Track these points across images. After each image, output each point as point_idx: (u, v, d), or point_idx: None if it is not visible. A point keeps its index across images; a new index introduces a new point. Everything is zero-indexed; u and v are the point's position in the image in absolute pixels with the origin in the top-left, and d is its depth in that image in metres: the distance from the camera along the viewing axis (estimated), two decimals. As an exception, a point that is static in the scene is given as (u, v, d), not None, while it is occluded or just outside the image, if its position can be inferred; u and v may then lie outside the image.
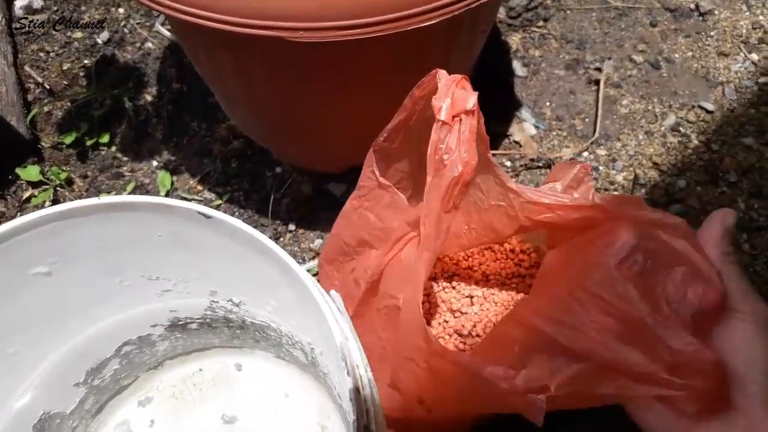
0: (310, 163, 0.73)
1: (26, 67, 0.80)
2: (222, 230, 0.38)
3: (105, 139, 0.75)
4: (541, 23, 0.89)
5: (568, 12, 0.91)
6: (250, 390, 0.58)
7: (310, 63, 0.50)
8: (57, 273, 0.42)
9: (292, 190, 0.75)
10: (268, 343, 0.56)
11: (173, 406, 0.57)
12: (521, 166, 0.77)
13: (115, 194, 0.73)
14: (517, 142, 0.78)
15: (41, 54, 0.81)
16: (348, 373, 0.31)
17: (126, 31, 0.83)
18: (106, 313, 0.48)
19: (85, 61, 0.81)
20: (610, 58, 0.86)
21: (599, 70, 0.85)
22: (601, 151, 0.78)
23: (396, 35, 0.45)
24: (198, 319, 0.53)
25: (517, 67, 0.85)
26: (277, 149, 0.72)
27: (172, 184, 0.74)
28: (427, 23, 0.45)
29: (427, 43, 0.53)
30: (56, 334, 0.47)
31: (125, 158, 0.76)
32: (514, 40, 0.87)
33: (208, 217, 0.38)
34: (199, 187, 0.74)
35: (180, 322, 0.53)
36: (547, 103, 0.82)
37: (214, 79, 0.61)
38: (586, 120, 0.81)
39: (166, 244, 0.42)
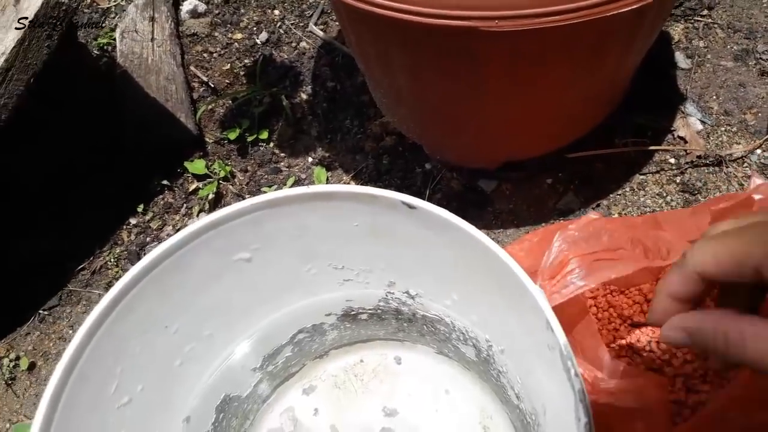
0: (463, 159, 0.72)
1: (192, 67, 0.85)
2: (423, 221, 0.38)
3: (264, 135, 0.78)
4: (705, 12, 0.83)
5: None
6: (411, 384, 0.58)
7: (490, 55, 0.49)
8: (256, 259, 0.43)
9: (442, 186, 0.74)
10: (433, 338, 0.55)
11: (336, 395, 0.58)
12: (687, 163, 0.72)
13: (276, 188, 0.75)
14: (682, 138, 0.73)
15: (205, 55, 0.86)
16: (575, 374, 0.30)
17: (282, 31, 0.86)
18: (291, 300, 0.49)
19: (245, 61, 0.84)
20: (787, 49, 0.79)
21: (773, 61, 0.78)
22: (777, 150, 0.72)
23: (586, 23, 0.44)
24: (370, 309, 0.53)
25: (680, 58, 0.80)
26: (432, 145, 0.72)
27: (327, 179, 0.75)
28: (626, 8, 0.43)
29: (613, 33, 0.50)
30: (246, 320, 0.49)
31: (282, 154, 0.79)
32: (677, 30, 0.82)
33: (412, 207, 0.37)
34: (353, 183, 0.75)
35: (352, 312, 0.53)
36: (714, 97, 0.76)
37: (380, 75, 0.61)
38: (759, 115, 0.75)
39: (359, 234, 0.42)
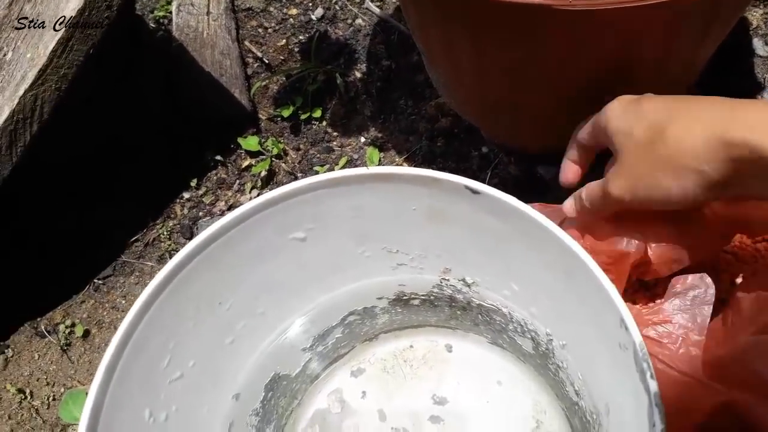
0: (522, 144, 0.70)
1: (246, 42, 0.84)
2: (487, 207, 0.36)
3: (317, 113, 0.77)
4: (788, -5, 0.78)
5: (822, -19, 0.78)
6: (462, 373, 0.57)
7: (561, 35, 0.46)
8: (311, 239, 0.43)
9: (499, 171, 0.72)
10: (488, 328, 0.54)
11: (384, 380, 0.57)
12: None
13: (328, 168, 0.74)
14: (757, 130, 0.69)
15: (260, 30, 0.85)
16: (651, 376, 0.28)
17: (338, 8, 0.85)
18: (343, 282, 0.49)
19: (300, 37, 0.83)
20: None
21: None
22: None
23: (663, 4, 0.41)
24: (423, 295, 0.52)
25: (758, 45, 0.75)
26: (490, 128, 0.70)
27: (380, 160, 0.74)
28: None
29: (690, 17, 0.47)
30: (298, 299, 0.48)
31: (335, 133, 0.77)
32: (755, 15, 0.77)
33: (475, 192, 0.36)
34: (405, 165, 0.74)
35: (404, 297, 0.52)
36: (794, 87, 0.71)
37: (439, 56, 0.59)
38: (844, 106, 0.69)
39: (417, 218, 0.41)
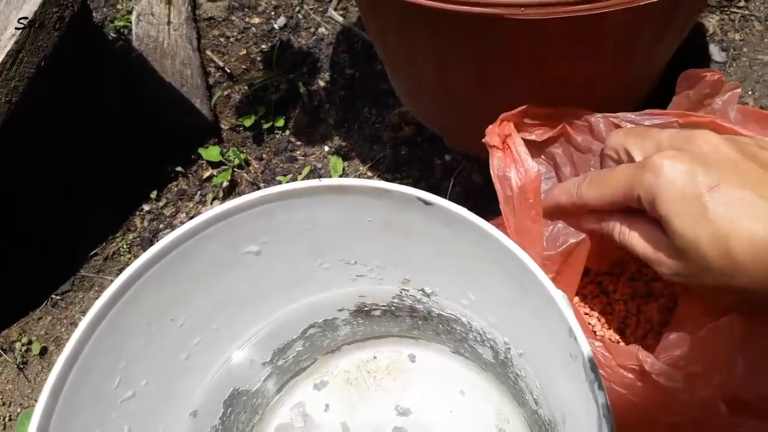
0: (484, 151, 0.70)
1: (208, 52, 0.83)
2: (440, 217, 0.36)
3: (280, 122, 0.77)
4: (742, 3, 0.79)
5: (773, -10, 0.80)
6: (425, 383, 0.56)
7: (516, 43, 0.47)
8: (266, 253, 0.42)
9: (462, 178, 0.72)
10: (449, 337, 0.54)
11: (348, 391, 0.57)
12: (718, 161, 0.69)
13: (291, 178, 0.74)
14: (714, 135, 0.70)
15: (221, 39, 0.84)
16: (599, 386, 0.28)
17: (300, 16, 0.84)
18: (301, 295, 0.48)
19: (262, 46, 0.83)
20: (828, 42, 0.75)
21: (812, 55, 0.74)
22: (814, 148, 0.68)
23: (615, 14, 0.41)
24: (383, 306, 0.51)
25: (715, 51, 0.76)
26: (452, 136, 0.70)
27: (344, 169, 0.74)
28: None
29: (642, 24, 0.48)
30: (254, 314, 0.47)
31: (299, 142, 0.77)
32: (711, 22, 0.78)
33: (427, 203, 0.36)
34: (369, 174, 0.73)
35: (365, 308, 0.52)
36: (750, 92, 0.73)
37: (401, 63, 0.59)
38: (796, 112, 0.71)
39: (373, 230, 0.40)
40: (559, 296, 0.30)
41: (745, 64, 0.75)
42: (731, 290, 0.31)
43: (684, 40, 0.58)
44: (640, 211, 0.35)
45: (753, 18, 0.78)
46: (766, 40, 0.76)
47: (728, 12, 0.79)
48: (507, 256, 0.33)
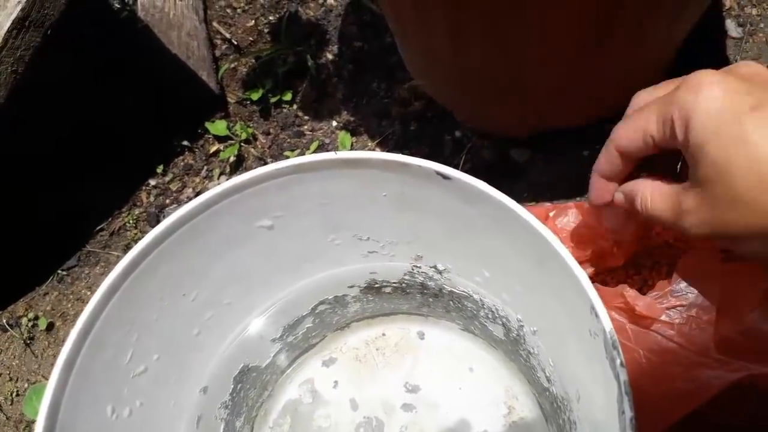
0: (496, 126, 0.69)
1: (214, 23, 0.82)
2: (458, 192, 0.36)
3: (288, 96, 0.76)
4: (759, -22, 0.78)
5: (792, -35, 0.78)
6: (434, 360, 0.56)
7: (537, 13, 0.46)
8: (279, 227, 0.41)
9: (472, 155, 0.71)
10: (459, 314, 0.53)
11: (356, 368, 0.57)
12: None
13: (299, 153, 0.73)
14: (728, 113, 0.69)
15: (228, 10, 0.83)
16: (621, 364, 0.28)
17: (308, -13, 0.83)
18: (312, 271, 0.47)
19: (270, 18, 0.81)
20: None
21: (830, 32, 0.73)
22: (830, 127, 0.67)
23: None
24: (394, 283, 0.51)
25: (731, 27, 0.75)
26: (464, 111, 0.69)
27: (352, 145, 0.73)
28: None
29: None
30: (266, 289, 0.47)
31: (306, 117, 0.76)
32: (728, -4, 0.77)
33: (446, 177, 0.35)
34: (378, 149, 0.73)
35: (376, 285, 0.51)
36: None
37: (414, 35, 0.58)
38: (813, 90, 0.70)
39: (387, 205, 0.40)
40: (582, 274, 0.30)
41: (762, 40, 0.74)
42: (758, 233, 0.28)
43: (701, 16, 0.57)
44: (663, 176, 0.33)
45: (771, -7, 0.77)
46: (783, 15, 0.75)
47: (746, -14, 0.78)
48: (528, 232, 0.32)
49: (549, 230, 0.31)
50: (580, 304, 0.31)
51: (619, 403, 0.28)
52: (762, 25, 0.75)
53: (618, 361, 0.28)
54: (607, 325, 0.29)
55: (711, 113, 0.28)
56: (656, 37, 0.53)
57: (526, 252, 0.34)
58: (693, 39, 0.71)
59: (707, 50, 0.73)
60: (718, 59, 0.73)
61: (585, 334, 0.32)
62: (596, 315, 0.29)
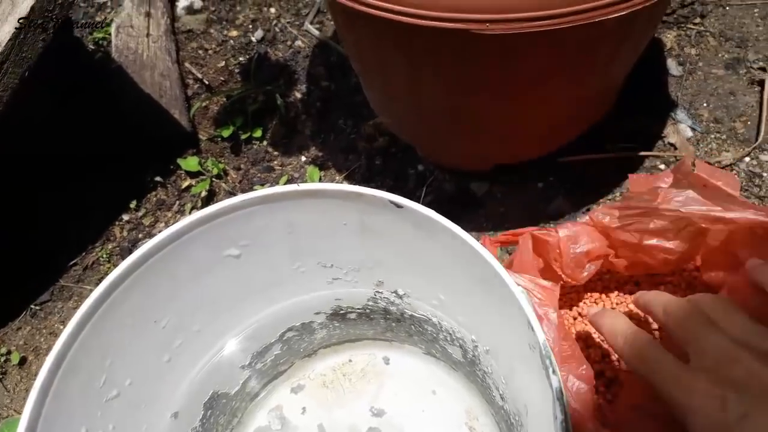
0: (455, 161, 0.73)
1: (187, 64, 0.85)
2: (410, 220, 0.39)
3: (258, 133, 0.79)
4: (697, 20, 0.84)
5: (727, 8, 0.85)
6: (399, 384, 0.58)
7: (481, 57, 0.50)
8: (245, 256, 0.44)
9: (434, 188, 0.75)
10: (420, 338, 0.56)
11: (324, 394, 0.59)
12: (676, 170, 0.73)
13: (269, 186, 0.76)
14: (672, 144, 0.74)
15: (200, 51, 0.86)
16: (553, 372, 0.30)
17: (277, 29, 0.87)
18: (280, 298, 0.50)
19: (240, 59, 0.85)
20: (777, 58, 0.79)
21: (763, 69, 0.79)
22: (765, 157, 0.73)
23: (575, 29, 0.44)
24: (358, 309, 0.54)
25: (672, 65, 0.80)
26: (424, 147, 0.73)
27: (320, 179, 0.76)
28: (615, 15, 0.43)
29: (602, 39, 0.51)
30: (235, 316, 0.49)
31: (276, 152, 0.79)
32: (669, 37, 0.83)
33: (398, 206, 0.38)
34: (345, 183, 0.76)
35: (341, 311, 0.54)
36: (705, 104, 0.77)
37: (375, 74, 0.61)
38: (749, 123, 0.75)
39: (349, 233, 0.43)
40: (519, 291, 0.33)
41: (700, 78, 0.79)
42: None
43: (642, 55, 0.61)
44: None
45: (708, 33, 0.83)
46: (719, 54, 0.81)
47: (685, 28, 0.84)
48: (472, 255, 0.35)
49: (488, 251, 0.34)
50: (519, 320, 0.34)
51: (553, 408, 0.31)
52: (700, 64, 0.80)
53: (551, 370, 0.31)
54: (541, 336, 0.32)
55: (702, 421, 0.31)
56: (595, 80, 0.57)
57: (472, 273, 0.37)
58: (637, 77, 0.76)
59: (651, 87, 0.79)
60: (661, 96, 0.78)
61: (525, 348, 0.35)
62: (532, 329, 0.32)
